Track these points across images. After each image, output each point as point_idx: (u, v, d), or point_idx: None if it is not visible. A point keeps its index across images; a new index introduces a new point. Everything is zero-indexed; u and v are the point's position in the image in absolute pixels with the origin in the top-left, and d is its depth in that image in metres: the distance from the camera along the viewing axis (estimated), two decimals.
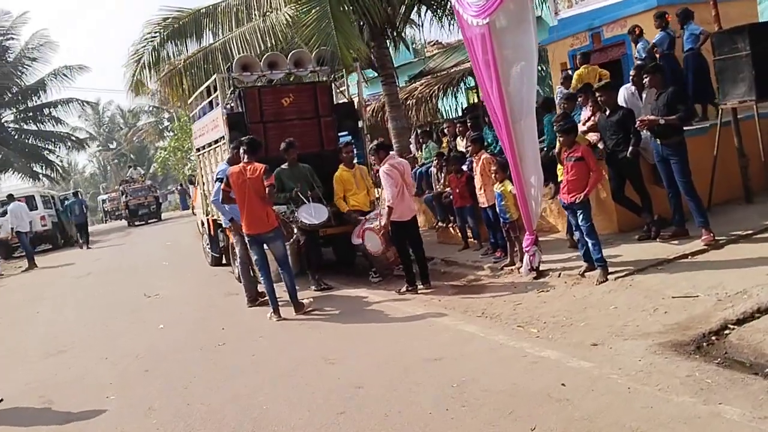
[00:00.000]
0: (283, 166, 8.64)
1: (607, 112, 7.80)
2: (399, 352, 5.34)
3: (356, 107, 10.28)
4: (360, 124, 10.20)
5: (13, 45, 37.34)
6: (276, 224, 7.10)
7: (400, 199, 7.67)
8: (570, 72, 11.43)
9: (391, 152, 7.97)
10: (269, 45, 11.80)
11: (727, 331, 4.88)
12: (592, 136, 8.45)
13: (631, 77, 8.55)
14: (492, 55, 7.08)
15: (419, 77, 17.37)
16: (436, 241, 10.51)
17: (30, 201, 23.87)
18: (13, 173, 37.54)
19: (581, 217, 6.92)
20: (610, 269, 6.81)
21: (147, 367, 6.04)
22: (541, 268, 7.48)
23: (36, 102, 38.09)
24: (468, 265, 8.66)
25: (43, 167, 38.72)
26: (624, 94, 8.45)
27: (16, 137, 38.26)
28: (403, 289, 7.79)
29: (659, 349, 4.64)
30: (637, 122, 7.31)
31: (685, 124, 7.34)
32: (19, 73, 37.09)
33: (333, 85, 10.78)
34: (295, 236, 7.59)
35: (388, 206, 7.65)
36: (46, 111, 38.30)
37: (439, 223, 10.37)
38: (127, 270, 13.90)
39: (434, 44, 19.61)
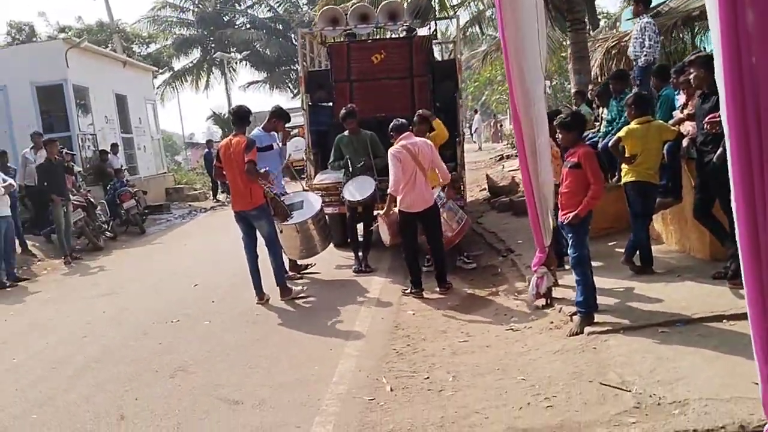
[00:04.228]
0: (344, 134, 8.13)
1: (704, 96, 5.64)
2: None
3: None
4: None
5: None
6: (260, 202, 6.73)
7: (410, 186, 6.62)
8: None
9: (407, 132, 6.85)
10: None
11: None
12: (688, 126, 6.21)
13: None
14: (499, 9, 5.53)
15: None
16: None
17: None
18: None
19: (571, 242, 5.25)
20: (600, 319, 5.12)
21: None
22: (553, 294, 5.95)
23: None
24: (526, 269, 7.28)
25: None
26: None
27: None
28: (408, 290, 6.91)
29: None
30: (704, 124, 5.12)
31: None
32: None
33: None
34: (291, 217, 7.12)
35: (389, 193, 6.73)
36: None
37: None
38: None
39: None
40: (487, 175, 13.19)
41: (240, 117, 6.89)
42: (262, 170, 6.72)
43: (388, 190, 6.68)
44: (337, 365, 4.96)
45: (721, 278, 5.55)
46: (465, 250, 8.23)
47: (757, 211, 2.24)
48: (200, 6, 38.98)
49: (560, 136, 5.38)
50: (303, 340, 5.67)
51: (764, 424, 2.98)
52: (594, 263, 6.72)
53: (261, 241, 6.95)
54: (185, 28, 38.98)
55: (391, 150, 6.70)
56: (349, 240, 8.25)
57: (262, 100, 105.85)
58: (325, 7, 9.00)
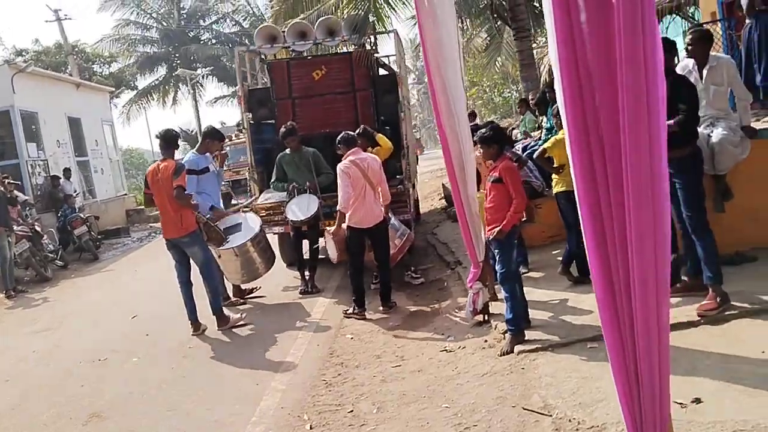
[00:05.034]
0: (285, 152, 7.95)
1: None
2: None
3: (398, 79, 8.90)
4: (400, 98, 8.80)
5: None
6: (192, 229, 6.51)
7: (360, 202, 6.49)
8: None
9: (355, 147, 6.71)
10: None
11: None
12: None
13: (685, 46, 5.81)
14: (420, 27, 5.43)
15: None
16: None
17: None
18: None
19: (498, 257, 5.11)
20: (532, 335, 4.97)
21: None
22: (491, 310, 5.79)
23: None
24: None
25: None
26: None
27: None
28: (350, 310, 6.73)
29: None
30: None
31: (689, 131, 4.82)
32: None
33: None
34: (227, 241, 6.91)
35: (338, 210, 6.57)
36: None
37: None
38: None
39: None
40: (443, 185, 13.08)
41: (167, 141, 6.66)
42: (193, 202, 6.53)
43: (338, 207, 6.54)
44: (260, 402, 4.74)
45: None
46: (413, 265, 8.09)
47: (604, 214, 2.12)
48: (164, 24, 38.65)
49: (481, 151, 5.24)
50: (231, 375, 5.45)
51: None
52: (534, 274, 6.72)
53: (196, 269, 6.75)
54: (149, 46, 38.55)
55: (340, 166, 6.55)
56: (298, 261, 8.02)
57: (230, 115, 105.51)
58: (262, 26, 8.81)
